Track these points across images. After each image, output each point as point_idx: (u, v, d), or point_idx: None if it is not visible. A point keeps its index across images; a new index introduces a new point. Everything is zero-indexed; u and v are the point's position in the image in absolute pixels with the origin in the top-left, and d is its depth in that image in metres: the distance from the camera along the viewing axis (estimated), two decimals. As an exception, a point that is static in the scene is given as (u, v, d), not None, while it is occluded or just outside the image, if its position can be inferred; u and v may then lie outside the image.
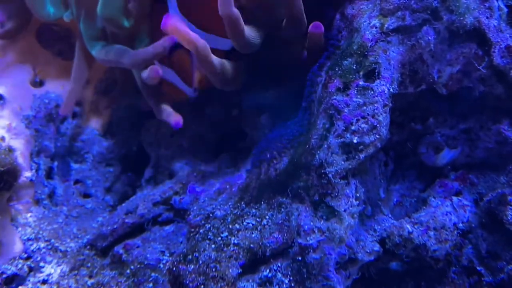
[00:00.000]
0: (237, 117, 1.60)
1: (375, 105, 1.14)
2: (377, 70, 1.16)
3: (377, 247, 1.21)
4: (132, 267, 1.39)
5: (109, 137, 1.84)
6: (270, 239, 1.17)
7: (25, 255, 1.49)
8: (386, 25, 1.20)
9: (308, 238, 1.12)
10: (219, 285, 1.13)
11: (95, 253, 1.48)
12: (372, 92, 1.15)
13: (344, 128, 1.14)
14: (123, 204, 1.58)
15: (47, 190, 1.67)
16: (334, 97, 1.17)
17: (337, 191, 1.13)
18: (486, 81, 1.24)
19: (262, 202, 1.25)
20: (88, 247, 1.50)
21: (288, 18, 1.31)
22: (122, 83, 1.78)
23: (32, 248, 1.51)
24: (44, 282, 1.45)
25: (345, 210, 1.12)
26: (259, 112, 1.54)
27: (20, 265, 1.47)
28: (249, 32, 1.30)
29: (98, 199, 1.78)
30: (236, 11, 1.21)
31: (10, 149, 1.44)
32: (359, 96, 1.15)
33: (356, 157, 1.13)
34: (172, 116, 1.45)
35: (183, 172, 1.57)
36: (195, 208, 1.39)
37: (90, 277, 1.42)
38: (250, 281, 1.15)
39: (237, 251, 1.17)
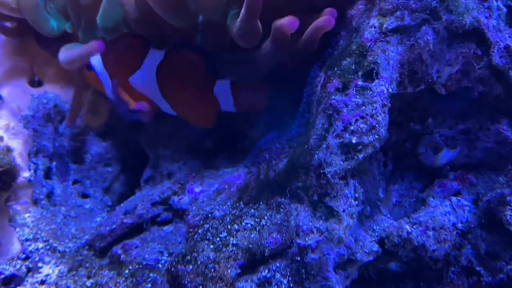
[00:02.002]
0: (236, 117, 1.60)
1: (374, 105, 1.13)
2: (376, 70, 1.16)
3: (376, 247, 1.21)
4: (130, 267, 1.38)
5: (108, 137, 1.83)
6: (269, 240, 1.16)
7: (23, 256, 1.49)
8: (385, 25, 1.19)
9: (307, 239, 1.12)
10: (217, 285, 1.13)
11: (93, 254, 1.48)
12: (371, 92, 1.15)
13: (343, 128, 1.14)
14: (122, 205, 1.58)
15: (45, 190, 1.66)
16: (333, 97, 1.17)
17: (336, 192, 1.13)
18: (485, 81, 1.24)
19: (261, 203, 1.24)
20: (86, 247, 1.50)
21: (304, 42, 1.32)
22: None
23: (30, 248, 1.51)
24: (43, 282, 1.45)
25: (344, 211, 1.12)
26: (258, 112, 1.54)
27: (18, 266, 1.47)
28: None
29: (97, 199, 1.77)
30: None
31: (8, 149, 1.44)
32: (358, 96, 1.15)
33: (355, 157, 1.13)
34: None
35: (181, 173, 1.57)
36: (193, 208, 1.38)
37: (89, 277, 1.42)
38: (249, 281, 1.15)
39: (236, 252, 1.17)
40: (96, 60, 1.53)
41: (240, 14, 1.24)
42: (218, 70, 1.44)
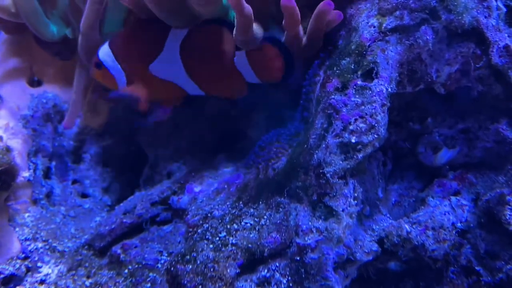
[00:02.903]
0: (235, 117, 1.60)
1: (373, 104, 1.13)
2: (375, 70, 1.16)
3: (375, 247, 1.21)
4: (130, 267, 1.38)
5: (107, 137, 1.83)
6: (268, 239, 1.16)
7: (23, 255, 1.49)
8: (384, 25, 1.19)
9: (306, 238, 1.12)
10: (217, 285, 1.13)
11: (93, 253, 1.48)
12: (370, 92, 1.15)
13: (342, 128, 1.14)
14: (121, 204, 1.58)
15: (44, 190, 1.66)
16: (332, 96, 1.17)
17: (336, 191, 1.13)
18: (485, 81, 1.24)
19: (260, 202, 1.24)
20: (86, 247, 1.50)
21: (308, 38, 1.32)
22: None
23: (29, 248, 1.50)
24: (42, 282, 1.45)
25: (343, 210, 1.12)
26: (258, 112, 1.54)
27: (17, 265, 1.46)
28: (256, 28, 1.31)
29: (96, 199, 1.77)
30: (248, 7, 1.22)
31: (8, 149, 1.44)
32: (357, 96, 1.15)
33: (354, 157, 1.12)
34: None
35: (181, 172, 1.57)
36: (193, 208, 1.38)
37: (88, 277, 1.42)
38: (248, 281, 1.15)
39: (235, 251, 1.17)
40: (106, 55, 1.48)
41: (235, 25, 1.25)
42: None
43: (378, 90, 1.15)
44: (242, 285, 1.14)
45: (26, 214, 1.58)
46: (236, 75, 1.40)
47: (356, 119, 1.13)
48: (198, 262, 1.16)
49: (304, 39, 1.34)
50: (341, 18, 1.28)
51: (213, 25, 1.38)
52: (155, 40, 1.43)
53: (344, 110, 1.15)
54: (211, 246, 1.19)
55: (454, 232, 1.25)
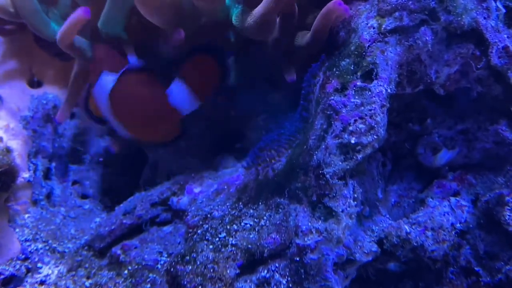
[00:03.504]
0: (235, 117, 1.60)
1: (373, 105, 1.13)
2: (374, 71, 1.16)
3: (375, 247, 1.21)
4: (130, 268, 1.39)
5: (107, 138, 1.83)
6: (268, 240, 1.16)
7: (23, 256, 1.49)
8: (383, 26, 1.19)
9: (306, 239, 1.12)
10: (217, 285, 1.13)
11: (92, 254, 1.48)
12: (369, 93, 1.15)
13: (341, 129, 1.14)
14: (121, 205, 1.58)
15: (45, 191, 1.66)
16: (332, 97, 1.17)
17: (335, 192, 1.13)
18: (484, 82, 1.24)
19: (260, 203, 1.25)
20: (85, 248, 1.50)
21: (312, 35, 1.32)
22: None
23: (30, 249, 1.51)
24: (42, 283, 1.45)
25: (343, 211, 1.12)
26: (257, 112, 1.54)
27: (18, 266, 1.47)
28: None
29: (96, 199, 1.78)
30: None
31: (8, 150, 1.44)
32: (356, 97, 1.15)
33: (354, 157, 1.12)
34: None
35: (180, 173, 1.57)
36: (193, 208, 1.39)
37: (88, 278, 1.42)
38: (248, 281, 1.15)
39: (235, 252, 1.17)
40: None
41: (262, 4, 1.24)
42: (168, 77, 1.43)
43: (378, 91, 1.15)
44: (242, 286, 1.14)
45: (26, 215, 1.58)
46: (170, 113, 1.41)
47: (355, 120, 1.13)
48: (198, 262, 1.16)
49: (308, 36, 1.33)
50: (348, 13, 1.27)
51: (140, 71, 1.41)
52: (95, 68, 1.46)
53: (343, 111, 1.15)
54: (211, 246, 1.19)
55: (453, 232, 1.25)
